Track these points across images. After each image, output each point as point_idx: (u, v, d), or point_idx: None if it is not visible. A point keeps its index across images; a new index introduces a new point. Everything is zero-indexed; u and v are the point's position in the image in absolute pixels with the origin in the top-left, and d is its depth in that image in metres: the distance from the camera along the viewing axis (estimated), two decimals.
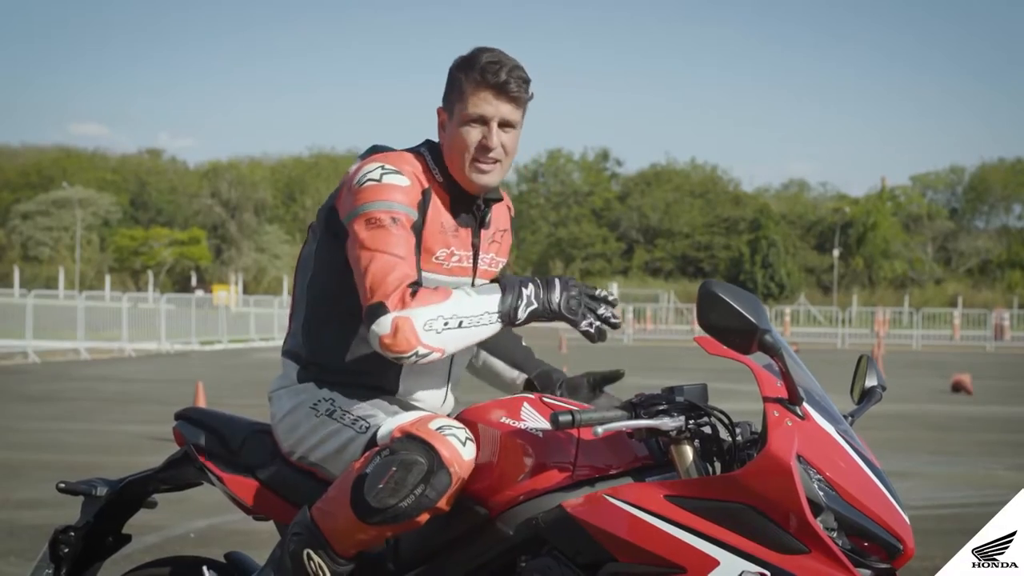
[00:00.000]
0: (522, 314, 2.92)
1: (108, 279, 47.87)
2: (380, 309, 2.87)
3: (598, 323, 2.93)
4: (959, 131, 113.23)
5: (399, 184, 2.98)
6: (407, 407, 3.05)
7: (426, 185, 3.04)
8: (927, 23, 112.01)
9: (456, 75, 3.06)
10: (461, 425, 2.91)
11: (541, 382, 3.40)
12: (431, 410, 3.13)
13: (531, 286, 2.94)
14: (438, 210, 3.06)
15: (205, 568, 3.45)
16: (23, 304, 25.45)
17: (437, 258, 3.05)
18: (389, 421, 2.97)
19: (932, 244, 74.91)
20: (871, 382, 3.11)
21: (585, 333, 2.95)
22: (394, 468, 2.82)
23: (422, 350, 2.87)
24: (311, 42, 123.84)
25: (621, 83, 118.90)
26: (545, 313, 2.93)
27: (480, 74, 3.01)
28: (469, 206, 3.12)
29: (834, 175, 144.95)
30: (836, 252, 68.37)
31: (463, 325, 2.88)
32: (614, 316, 2.95)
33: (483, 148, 3.03)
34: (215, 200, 74.12)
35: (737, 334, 2.61)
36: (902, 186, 79.93)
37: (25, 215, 68.52)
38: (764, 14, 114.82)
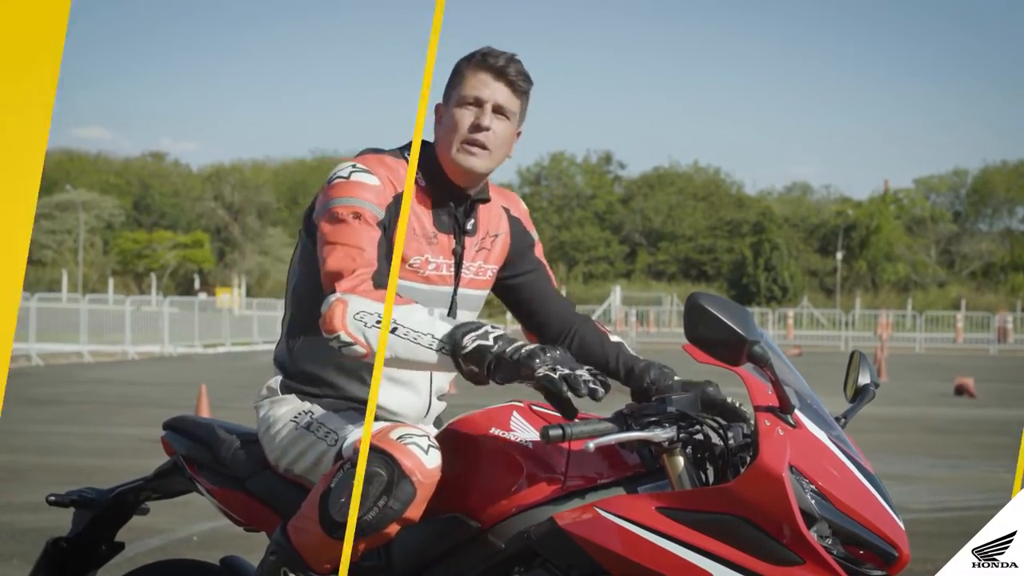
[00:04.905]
0: (468, 342, 2.67)
1: (111, 282, 47.96)
2: (331, 291, 2.83)
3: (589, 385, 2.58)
4: (962, 134, 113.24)
5: (367, 182, 2.95)
6: (378, 418, 2.97)
7: (400, 188, 2.97)
8: (930, 25, 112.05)
9: (458, 65, 3.08)
10: (424, 432, 2.85)
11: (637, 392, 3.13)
12: (413, 420, 3.09)
13: (504, 339, 2.66)
14: (414, 215, 3.01)
15: (199, 572, 3.44)
16: (26, 307, 25.39)
17: (412, 265, 3.00)
18: (354, 432, 2.91)
19: (935, 247, 74.83)
20: (864, 379, 3.10)
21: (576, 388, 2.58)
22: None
23: (344, 336, 2.75)
24: (313, 44, 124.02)
25: (623, 86, 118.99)
26: (501, 355, 2.64)
27: (481, 58, 3.04)
28: (451, 211, 3.07)
29: (837, 178, 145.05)
30: (839, 255, 68.32)
31: (397, 332, 2.71)
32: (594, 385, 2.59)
33: (475, 127, 3.00)
34: (218, 203, 74.09)
35: (726, 346, 2.59)
36: (905, 189, 79.92)
37: None
38: (766, 16, 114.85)
